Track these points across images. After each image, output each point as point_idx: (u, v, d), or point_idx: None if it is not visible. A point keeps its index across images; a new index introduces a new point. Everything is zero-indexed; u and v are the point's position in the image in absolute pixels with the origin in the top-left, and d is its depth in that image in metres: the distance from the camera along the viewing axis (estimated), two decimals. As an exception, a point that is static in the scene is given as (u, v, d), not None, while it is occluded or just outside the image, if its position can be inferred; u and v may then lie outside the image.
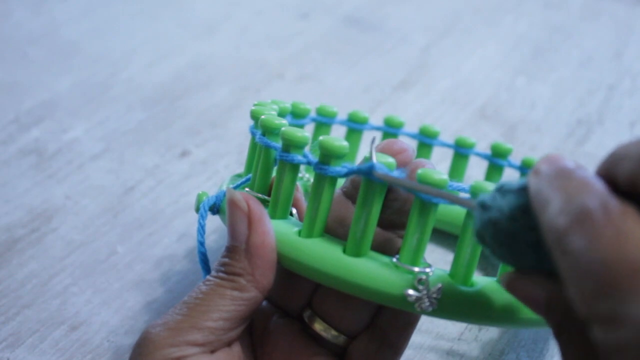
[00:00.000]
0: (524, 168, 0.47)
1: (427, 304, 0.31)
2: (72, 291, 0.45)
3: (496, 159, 0.48)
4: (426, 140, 0.49)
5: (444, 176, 0.31)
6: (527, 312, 0.32)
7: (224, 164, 0.56)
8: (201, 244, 0.38)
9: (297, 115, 0.44)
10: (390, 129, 0.48)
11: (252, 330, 0.37)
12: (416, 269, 0.32)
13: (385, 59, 0.71)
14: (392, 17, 0.77)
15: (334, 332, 0.36)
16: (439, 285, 0.31)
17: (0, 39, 0.68)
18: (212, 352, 0.33)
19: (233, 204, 0.34)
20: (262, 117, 0.36)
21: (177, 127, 0.59)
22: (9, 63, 0.65)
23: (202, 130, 0.59)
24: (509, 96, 0.67)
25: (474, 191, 0.31)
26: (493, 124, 0.63)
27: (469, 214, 0.32)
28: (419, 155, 0.49)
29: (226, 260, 0.34)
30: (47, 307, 0.44)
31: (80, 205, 0.51)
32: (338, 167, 0.33)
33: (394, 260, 0.32)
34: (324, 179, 0.33)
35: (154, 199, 0.52)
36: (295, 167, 0.35)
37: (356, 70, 0.69)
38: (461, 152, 0.48)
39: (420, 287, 0.31)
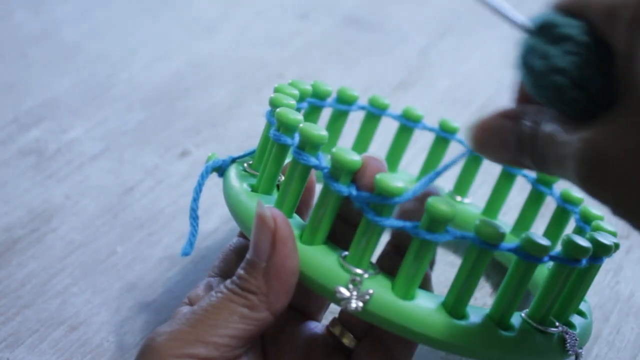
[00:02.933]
0: (539, 183, 0.46)
1: (354, 305, 0.32)
2: (72, 291, 0.45)
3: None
4: (445, 136, 0.49)
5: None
6: (451, 337, 0.32)
7: (224, 164, 0.56)
8: (195, 200, 0.38)
9: (318, 96, 0.44)
10: (409, 122, 0.48)
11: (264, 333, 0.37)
12: (356, 270, 0.32)
13: (385, 59, 0.71)
14: (392, 17, 0.77)
15: (351, 337, 0.37)
16: (370, 290, 0.32)
17: (0, 39, 0.68)
18: None
19: (260, 219, 0.33)
20: (278, 110, 0.36)
21: (177, 127, 0.59)
22: (9, 63, 0.65)
23: (202, 130, 0.59)
24: (509, 96, 0.67)
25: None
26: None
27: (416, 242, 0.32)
28: (434, 151, 0.49)
29: (243, 273, 0.33)
30: (47, 307, 0.44)
31: (80, 205, 0.51)
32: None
33: (341, 257, 0.33)
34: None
35: (153, 199, 0.52)
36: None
37: (356, 70, 0.69)
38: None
39: (351, 288, 0.32)
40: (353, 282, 0.32)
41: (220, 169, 0.40)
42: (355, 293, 0.32)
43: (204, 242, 0.49)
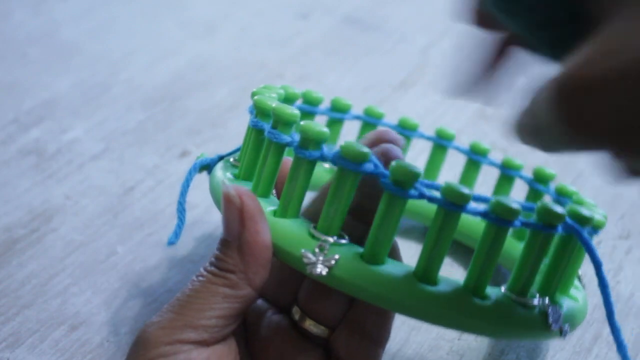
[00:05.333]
0: (535, 182, 0.46)
1: (319, 270, 0.32)
2: (72, 291, 0.45)
3: (507, 169, 0.47)
4: (442, 143, 0.48)
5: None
6: (419, 301, 0.32)
7: (224, 164, 0.56)
8: (182, 194, 0.39)
9: (309, 103, 0.44)
10: (405, 131, 0.48)
11: (246, 325, 0.37)
12: (324, 237, 0.33)
13: (385, 59, 0.71)
14: (392, 17, 0.77)
15: (322, 327, 0.36)
16: (337, 255, 0.32)
17: (0, 39, 0.68)
18: (208, 345, 0.33)
19: (227, 198, 0.34)
20: (255, 98, 0.37)
21: (177, 127, 0.59)
22: (9, 63, 0.65)
23: (202, 130, 0.59)
24: (509, 96, 0.67)
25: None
26: (493, 124, 0.63)
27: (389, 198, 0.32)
28: (432, 158, 0.49)
29: (219, 254, 0.34)
30: (47, 307, 0.44)
31: (80, 205, 0.51)
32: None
33: (311, 227, 0.33)
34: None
35: (153, 199, 0.52)
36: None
37: (356, 70, 0.69)
38: (474, 158, 0.48)
39: (318, 252, 0.32)
40: (320, 247, 0.32)
41: (209, 167, 0.41)
42: (321, 258, 0.32)
43: (204, 242, 0.49)
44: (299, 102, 0.45)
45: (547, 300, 0.34)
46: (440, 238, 0.32)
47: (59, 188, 0.52)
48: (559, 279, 0.35)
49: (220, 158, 0.41)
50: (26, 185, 0.52)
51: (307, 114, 0.46)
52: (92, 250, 0.48)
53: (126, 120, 0.60)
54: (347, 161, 0.32)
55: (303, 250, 0.32)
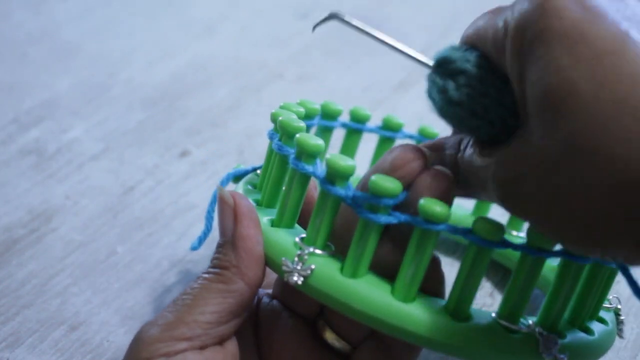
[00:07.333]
0: None
1: (295, 278, 0.33)
2: (72, 291, 0.45)
3: None
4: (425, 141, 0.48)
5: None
6: (392, 317, 0.32)
7: (223, 164, 0.56)
8: (211, 203, 0.40)
9: (326, 116, 0.44)
10: (388, 132, 0.47)
11: (259, 328, 0.37)
12: (305, 247, 0.33)
13: (385, 59, 0.71)
14: (392, 17, 0.77)
15: (343, 342, 0.37)
16: (313, 266, 0.33)
17: (0, 39, 0.68)
18: (202, 348, 0.33)
19: (221, 201, 0.35)
20: (281, 119, 0.36)
21: (177, 127, 0.59)
22: (9, 63, 0.65)
23: (202, 130, 0.59)
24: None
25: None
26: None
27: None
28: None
29: (215, 255, 0.34)
30: (47, 307, 0.44)
31: (80, 205, 0.51)
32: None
33: (297, 239, 0.34)
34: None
35: (153, 199, 0.52)
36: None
37: (356, 70, 0.69)
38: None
39: (296, 261, 0.33)
40: (299, 256, 0.33)
41: (241, 178, 0.41)
42: (298, 267, 0.33)
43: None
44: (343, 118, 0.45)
45: (538, 327, 0.33)
46: (418, 257, 0.32)
47: (59, 188, 0.52)
48: (560, 307, 0.34)
49: (254, 169, 0.41)
50: (26, 185, 0.52)
51: (354, 131, 0.46)
52: (92, 250, 0.48)
53: (126, 120, 0.60)
54: (328, 183, 0.33)
55: (283, 259, 0.33)
